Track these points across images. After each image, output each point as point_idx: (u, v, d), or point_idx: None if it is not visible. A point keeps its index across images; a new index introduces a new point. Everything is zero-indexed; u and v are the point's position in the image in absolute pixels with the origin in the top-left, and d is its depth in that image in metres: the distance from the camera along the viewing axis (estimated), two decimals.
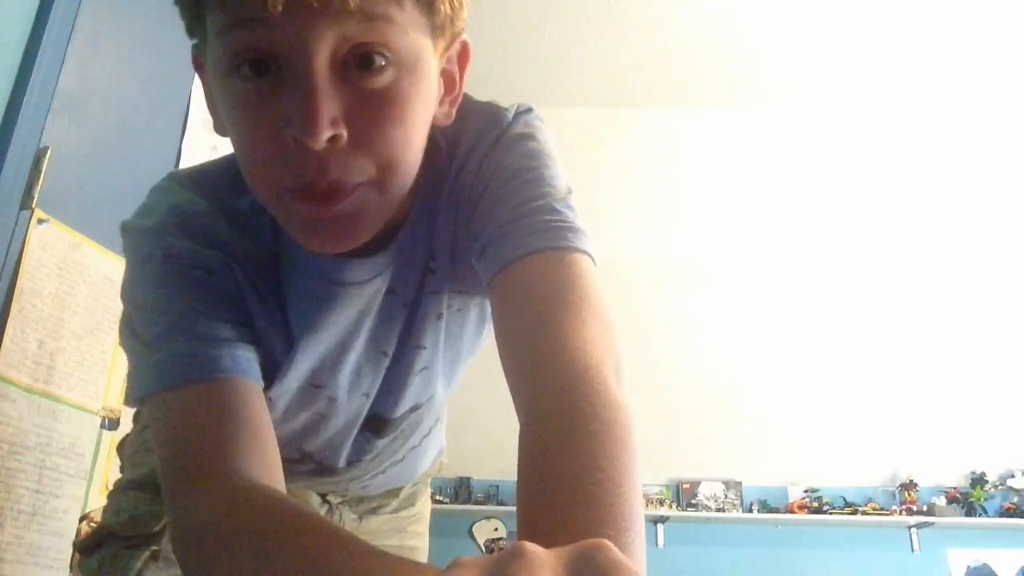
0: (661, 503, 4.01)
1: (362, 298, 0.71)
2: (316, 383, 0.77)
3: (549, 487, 0.45)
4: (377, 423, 0.86)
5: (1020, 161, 4.52)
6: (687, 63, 4.37)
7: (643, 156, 4.68)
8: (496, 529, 4.05)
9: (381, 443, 0.88)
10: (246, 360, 0.61)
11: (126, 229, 0.68)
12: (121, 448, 1.01)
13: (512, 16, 4.01)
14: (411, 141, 0.58)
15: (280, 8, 0.49)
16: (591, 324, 0.55)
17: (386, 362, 0.78)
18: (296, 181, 0.55)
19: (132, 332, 0.64)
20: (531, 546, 0.33)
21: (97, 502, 1.70)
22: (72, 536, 1.62)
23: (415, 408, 0.86)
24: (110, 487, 1.73)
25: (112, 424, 1.76)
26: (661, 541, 3.95)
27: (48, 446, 1.58)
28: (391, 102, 0.55)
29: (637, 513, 0.44)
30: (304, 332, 0.71)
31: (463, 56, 0.65)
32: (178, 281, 0.63)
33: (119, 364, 1.80)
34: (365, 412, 0.83)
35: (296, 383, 0.75)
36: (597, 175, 4.46)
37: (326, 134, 0.51)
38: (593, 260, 0.62)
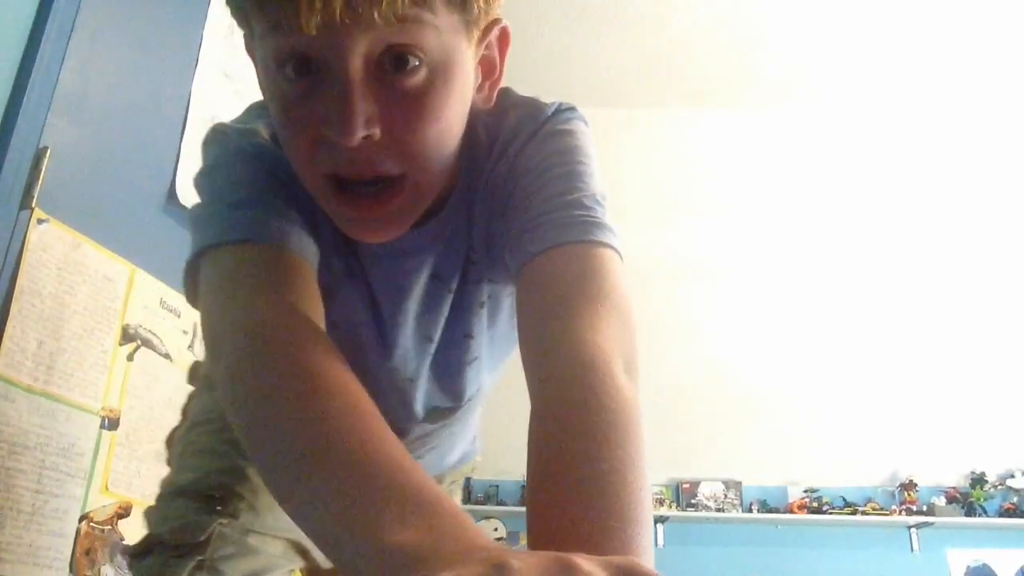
0: (661, 503, 4.01)
1: (402, 272, 0.73)
2: (371, 344, 0.79)
3: (554, 480, 0.45)
4: (438, 412, 0.88)
5: (1019, 162, 4.52)
6: (687, 63, 4.37)
7: (642, 156, 4.68)
8: (496, 529, 4.05)
9: (430, 428, 0.91)
10: (310, 248, 0.64)
11: (219, 129, 0.72)
12: (170, 441, 1.02)
13: (512, 16, 3.99)
14: (444, 136, 0.61)
15: (314, 30, 0.52)
16: (605, 317, 0.56)
17: (431, 348, 0.80)
18: (332, 168, 0.59)
19: (203, 205, 0.66)
20: (582, 559, 0.33)
21: (97, 501, 1.70)
22: (72, 536, 1.62)
23: (469, 399, 0.89)
24: (109, 487, 1.74)
25: (112, 424, 1.76)
26: (661, 541, 3.95)
27: (48, 446, 1.58)
28: (424, 101, 0.58)
29: (642, 504, 0.44)
30: (350, 281, 0.74)
31: (503, 40, 0.67)
32: (263, 172, 0.66)
33: (119, 364, 1.80)
34: (417, 398, 0.84)
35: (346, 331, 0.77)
36: None
37: (360, 134, 0.55)
38: (620, 255, 0.63)
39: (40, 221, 1.57)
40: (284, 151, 0.62)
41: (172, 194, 1.96)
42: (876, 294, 4.33)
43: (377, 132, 0.56)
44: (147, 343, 1.90)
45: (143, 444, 1.85)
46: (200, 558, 0.83)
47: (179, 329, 1.95)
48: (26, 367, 1.53)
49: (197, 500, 0.86)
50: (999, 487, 3.98)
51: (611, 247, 0.62)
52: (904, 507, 3.93)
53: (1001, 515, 3.90)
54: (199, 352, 1.95)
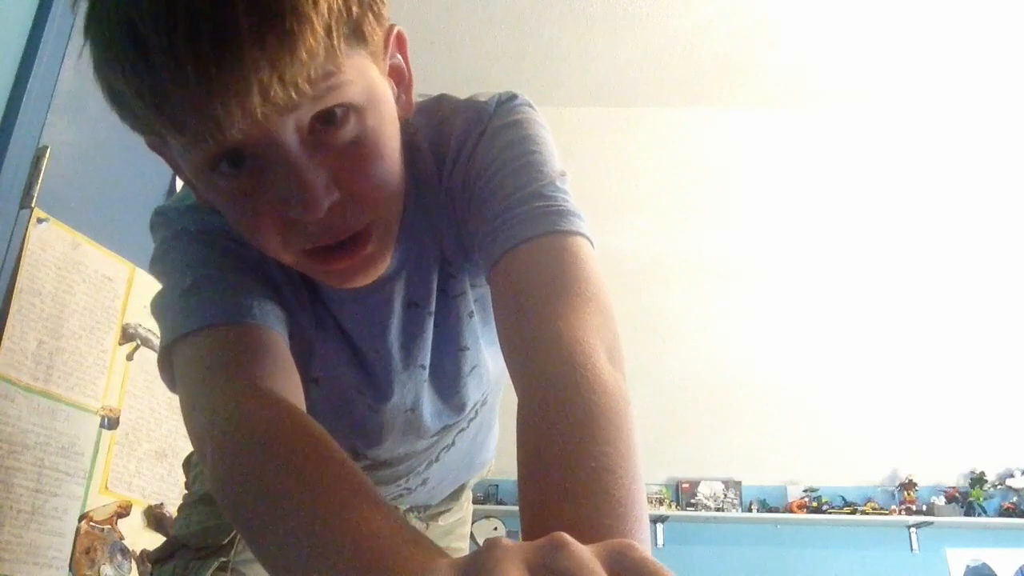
0: (661, 503, 4.01)
1: (373, 310, 0.73)
2: (360, 389, 0.78)
3: (543, 480, 0.45)
4: (448, 426, 0.89)
5: (1019, 162, 4.52)
6: (688, 61, 4.37)
7: (642, 155, 4.68)
8: (495, 528, 4.05)
9: (444, 435, 0.91)
10: (274, 314, 0.64)
11: (159, 212, 0.71)
12: (187, 463, 1.03)
13: (512, 15, 4.01)
14: (392, 165, 0.60)
15: (241, 136, 0.50)
16: (581, 308, 0.54)
17: (424, 375, 0.79)
18: (309, 244, 0.58)
19: (162, 294, 0.66)
20: (570, 538, 0.33)
21: (97, 501, 1.70)
22: (72, 535, 1.63)
23: (474, 405, 0.89)
24: (109, 486, 1.74)
25: (111, 423, 1.76)
26: (661, 540, 3.95)
27: (47, 445, 1.58)
28: (365, 144, 0.56)
29: (636, 499, 0.43)
30: (327, 324, 0.73)
31: (401, 43, 0.64)
32: (210, 247, 0.66)
33: (118, 363, 1.80)
34: (423, 424, 0.85)
35: (337, 376, 0.77)
36: (595, 174, 4.46)
37: (325, 204, 0.54)
38: (588, 240, 0.62)
39: (40, 220, 1.57)
40: (246, 238, 0.60)
41: (172, 193, 1.96)
42: (875, 294, 4.32)
43: (337, 194, 0.55)
44: (147, 342, 1.90)
45: (143, 443, 1.85)
46: (223, 559, 0.84)
47: None
48: (26, 366, 1.53)
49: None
50: (998, 487, 3.98)
51: (578, 233, 0.61)
52: (904, 507, 3.93)
53: (1000, 515, 3.89)
54: None
